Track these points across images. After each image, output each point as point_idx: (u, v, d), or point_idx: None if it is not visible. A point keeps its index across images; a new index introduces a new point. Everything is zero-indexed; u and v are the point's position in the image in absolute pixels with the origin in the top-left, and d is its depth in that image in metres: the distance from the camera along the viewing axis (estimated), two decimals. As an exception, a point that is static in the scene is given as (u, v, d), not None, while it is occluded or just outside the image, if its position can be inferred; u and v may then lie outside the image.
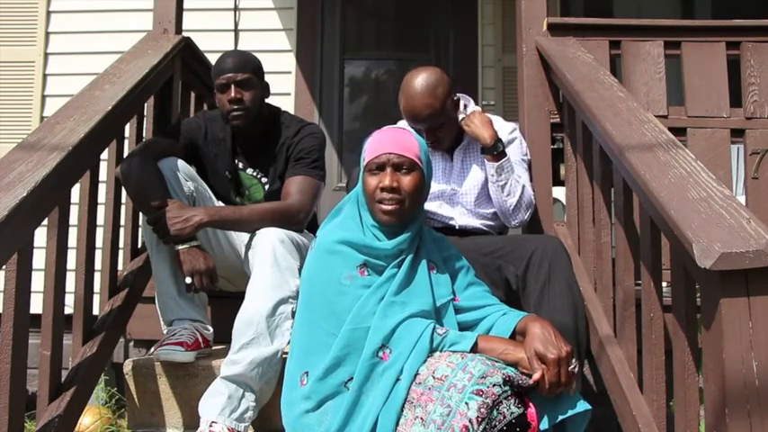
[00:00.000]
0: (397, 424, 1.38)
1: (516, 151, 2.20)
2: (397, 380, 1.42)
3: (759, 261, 1.18)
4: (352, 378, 1.46)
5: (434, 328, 1.48)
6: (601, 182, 1.93)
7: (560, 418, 1.43)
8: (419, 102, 2.04)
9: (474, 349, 1.45)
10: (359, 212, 1.64)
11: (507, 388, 1.35)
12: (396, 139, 1.60)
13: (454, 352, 1.45)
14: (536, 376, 1.40)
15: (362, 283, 1.54)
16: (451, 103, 2.13)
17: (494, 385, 1.33)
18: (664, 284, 1.66)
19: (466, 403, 1.30)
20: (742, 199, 2.25)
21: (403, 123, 2.25)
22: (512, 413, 1.34)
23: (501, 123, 2.22)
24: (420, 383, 1.40)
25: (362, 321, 1.49)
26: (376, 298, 1.52)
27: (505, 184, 2.08)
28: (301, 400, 1.51)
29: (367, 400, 1.43)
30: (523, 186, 2.11)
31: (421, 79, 2.06)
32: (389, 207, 1.57)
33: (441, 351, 1.46)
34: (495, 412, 1.32)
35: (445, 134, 2.13)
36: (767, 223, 1.29)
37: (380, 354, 1.46)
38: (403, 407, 1.39)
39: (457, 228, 2.15)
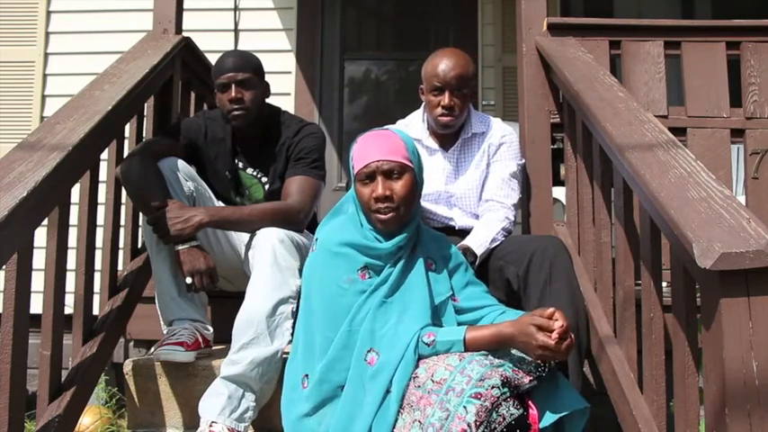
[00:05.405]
0: None
1: (504, 156, 2.16)
2: (388, 391, 1.41)
3: (759, 261, 1.18)
4: None
5: (420, 339, 1.45)
6: (601, 182, 1.93)
7: (559, 415, 1.42)
8: (456, 60, 2.09)
9: (465, 346, 1.44)
10: (357, 215, 1.63)
11: (506, 389, 1.34)
12: (381, 145, 1.57)
13: (452, 353, 1.44)
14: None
15: (362, 287, 1.53)
16: (472, 87, 2.17)
17: (492, 387, 1.32)
18: (664, 284, 1.66)
19: (464, 407, 1.30)
20: (742, 199, 2.24)
21: (394, 127, 2.24)
22: (511, 414, 1.34)
23: (496, 127, 2.20)
24: (419, 386, 1.39)
25: (359, 324, 1.49)
26: (372, 299, 1.51)
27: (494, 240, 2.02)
28: (301, 402, 1.51)
29: (359, 407, 1.42)
30: (505, 218, 2.07)
31: (459, 51, 2.15)
32: (386, 216, 1.55)
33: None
34: (494, 414, 1.32)
35: (462, 107, 2.12)
36: (767, 223, 1.29)
37: (368, 358, 1.45)
38: (397, 418, 1.38)
39: (457, 228, 2.15)
